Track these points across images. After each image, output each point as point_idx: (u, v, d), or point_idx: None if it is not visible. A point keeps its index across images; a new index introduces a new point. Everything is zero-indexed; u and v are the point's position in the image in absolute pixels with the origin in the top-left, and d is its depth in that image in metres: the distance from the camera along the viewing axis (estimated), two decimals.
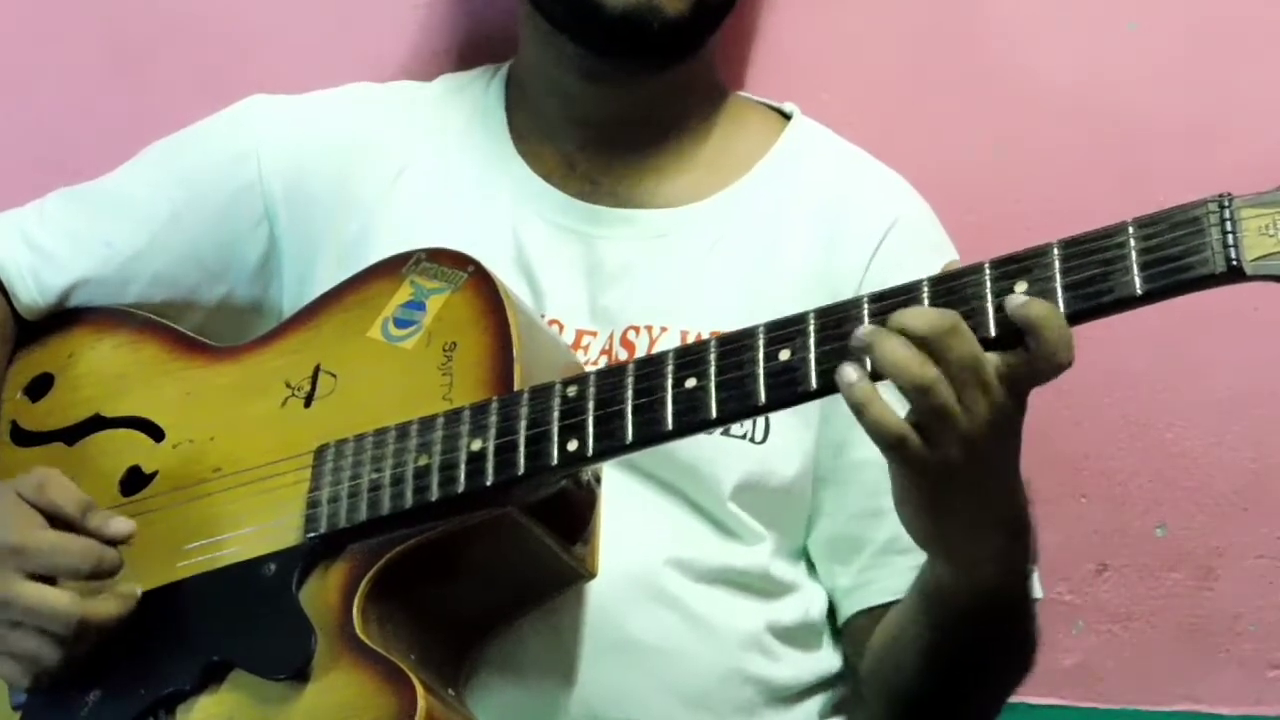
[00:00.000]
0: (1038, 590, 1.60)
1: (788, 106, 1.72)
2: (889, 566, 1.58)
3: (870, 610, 1.59)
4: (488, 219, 1.63)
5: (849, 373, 1.28)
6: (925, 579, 1.45)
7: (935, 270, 1.32)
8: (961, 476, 1.30)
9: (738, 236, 1.62)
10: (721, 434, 1.55)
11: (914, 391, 1.27)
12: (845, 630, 1.63)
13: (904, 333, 1.27)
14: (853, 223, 1.63)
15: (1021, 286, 1.27)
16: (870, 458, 1.55)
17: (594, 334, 1.60)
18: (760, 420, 1.56)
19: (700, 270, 1.61)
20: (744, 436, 1.56)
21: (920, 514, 1.35)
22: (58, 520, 1.48)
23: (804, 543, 1.63)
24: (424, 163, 1.67)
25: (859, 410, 1.28)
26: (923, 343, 1.27)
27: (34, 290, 1.69)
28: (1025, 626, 1.50)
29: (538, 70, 1.67)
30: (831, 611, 1.63)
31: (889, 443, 1.29)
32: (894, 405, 1.29)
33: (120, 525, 1.48)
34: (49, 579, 1.46)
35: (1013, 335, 1.28)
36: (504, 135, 1.68)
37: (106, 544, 1.47)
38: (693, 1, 1.56)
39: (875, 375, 1.29)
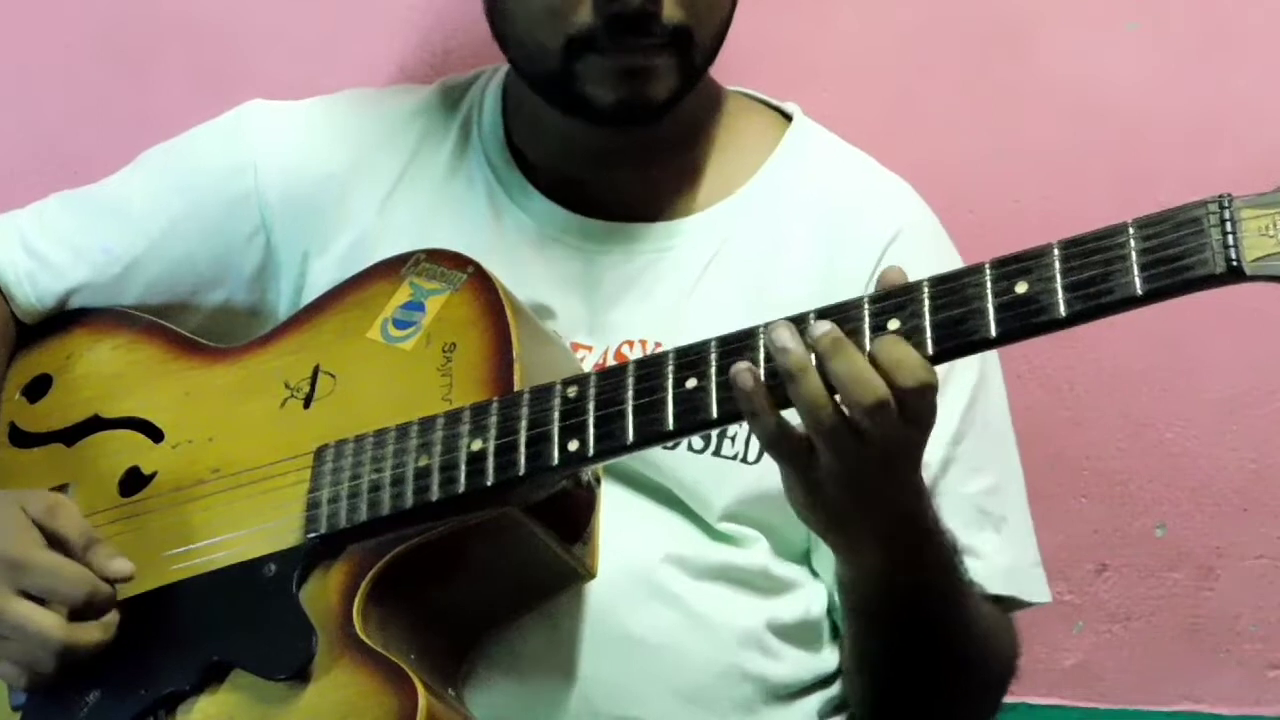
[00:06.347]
0: (1043, 594, 1.60)
1: (789, 106, 1.69)
2: None
3: None
4: (483, 233, 1.62)
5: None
6: (835, 572, 1.47)
7: None
8: (845, 483, 1.32)
9: (738, 249, 1.60)
10: (712, 455, 1.55)
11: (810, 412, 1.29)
12: None
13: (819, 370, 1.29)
14: (855, 233, 1.61)
15: (1022, 287, 1.27)
16: None
17: (589, 349, 1.58)
18: (753, 438, 1.55)
19: (699, 285, 1.59)
20: (735, 457, 1.55)
21: (807, 509, 1.37)
22: (59, 547, 1.48)
23: (803, 543, 1.62)
24: (419, 175, 1.65)
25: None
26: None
27: (31, 295, 1.69)
28: (953, 629, 1.49)
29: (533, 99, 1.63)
30: (833, 610, 1.63)
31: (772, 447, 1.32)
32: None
33: (120, 565, 1.48)
34: (41, 599, 1.46)
35: (1014, 334, 1.28)
36: (501, 147, 1.65)
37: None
38: (678, 79, 1.54)
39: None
